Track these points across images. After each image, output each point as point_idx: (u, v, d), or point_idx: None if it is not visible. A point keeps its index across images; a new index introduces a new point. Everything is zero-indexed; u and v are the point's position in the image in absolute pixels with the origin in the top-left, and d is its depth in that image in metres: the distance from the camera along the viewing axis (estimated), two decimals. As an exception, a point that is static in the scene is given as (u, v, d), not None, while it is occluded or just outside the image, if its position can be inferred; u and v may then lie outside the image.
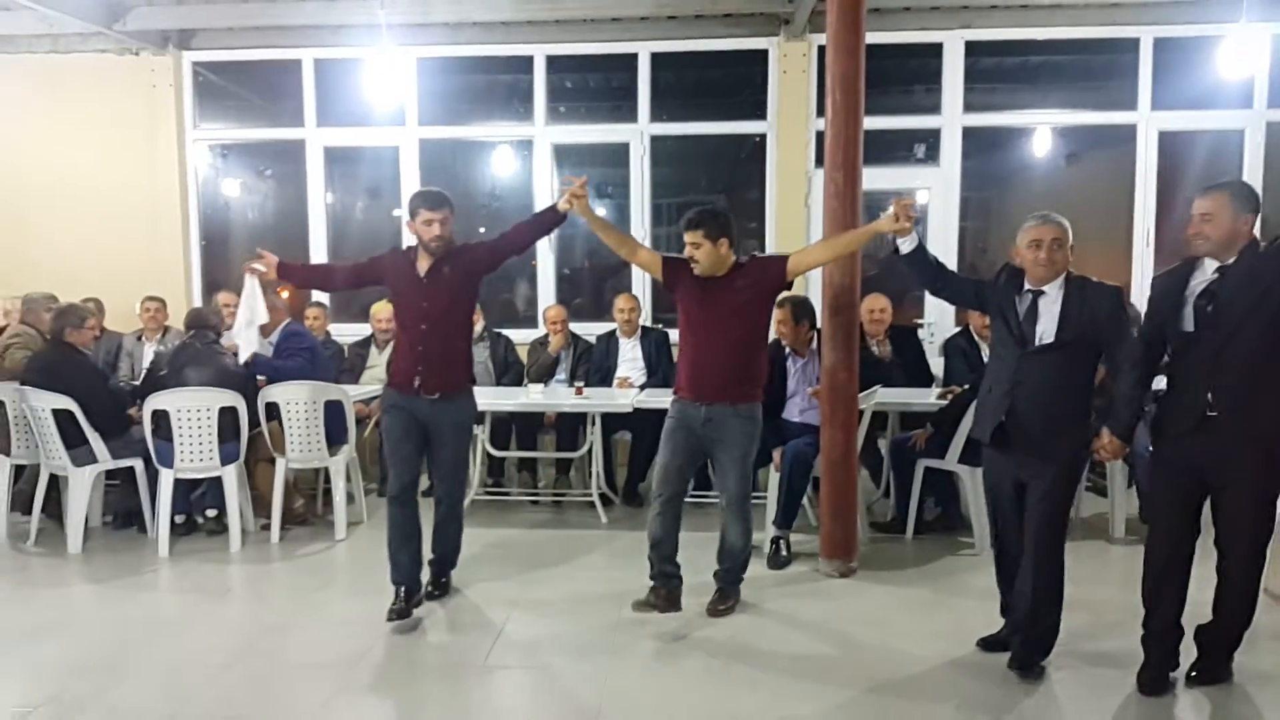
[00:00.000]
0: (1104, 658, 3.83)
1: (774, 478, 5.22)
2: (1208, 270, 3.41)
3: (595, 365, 6.70)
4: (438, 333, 4.32)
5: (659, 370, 6.56)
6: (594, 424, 6.04)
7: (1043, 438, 3.59)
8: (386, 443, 4.48)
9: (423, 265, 4.32)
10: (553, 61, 7.70)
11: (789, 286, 4.32)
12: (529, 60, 7.66)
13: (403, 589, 4.30)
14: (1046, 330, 3.59)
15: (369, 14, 6.90)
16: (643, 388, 6.41)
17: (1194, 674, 3.61)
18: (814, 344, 5.32)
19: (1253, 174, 7.20)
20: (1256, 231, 3.39)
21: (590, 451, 6.09)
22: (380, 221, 8.44)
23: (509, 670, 3.82)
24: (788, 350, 5.38)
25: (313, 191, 7.93)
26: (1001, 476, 3.77)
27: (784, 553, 5.08)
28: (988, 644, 3.93)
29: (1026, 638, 3.71)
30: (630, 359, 6.65)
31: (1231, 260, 3.35)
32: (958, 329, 6.62)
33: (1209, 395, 3.35)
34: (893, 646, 4.00)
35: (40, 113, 7.84)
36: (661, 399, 5.78)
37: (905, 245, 3.89)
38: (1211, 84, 7.06)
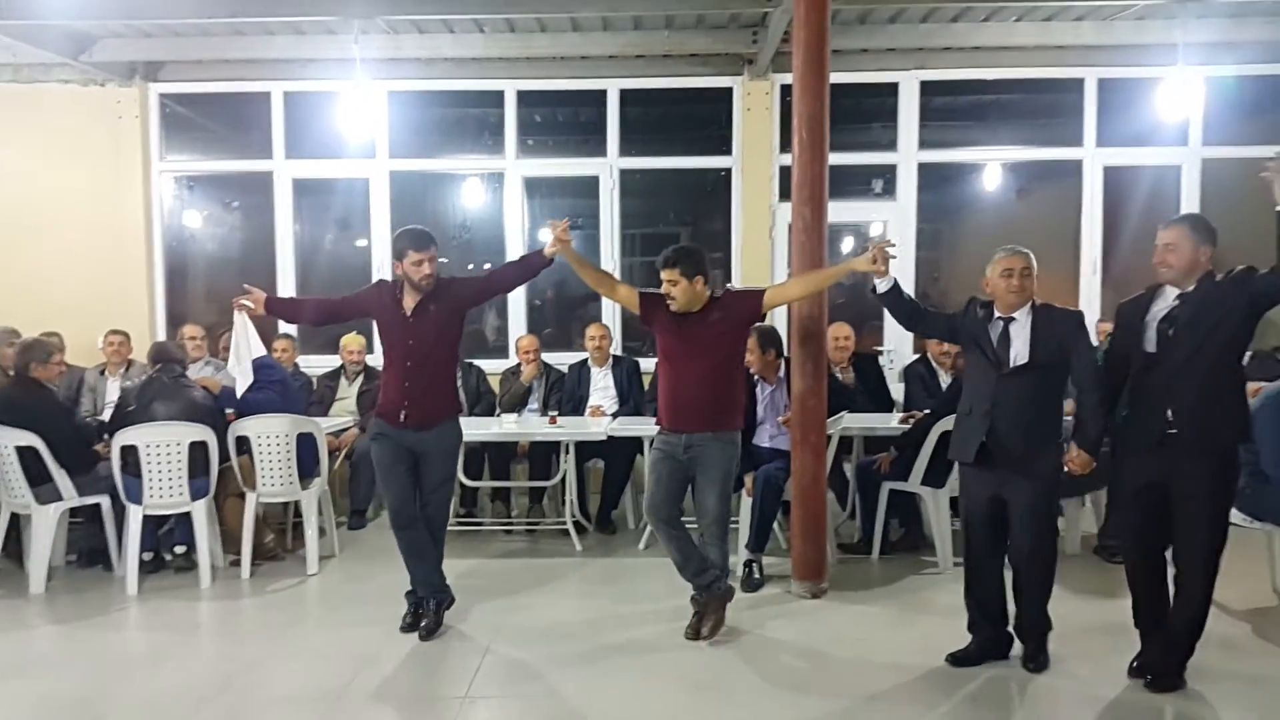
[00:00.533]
0: (1064, 671, 3.98)
1: (746, 502, 5.34)
2: (1169, 297, 3.69)
3: (567, 394, 6.79)
4: (423, 369, 4.43)
5: (630, 398, 6.68)
6: (568, 452, 6.11)
7: (1022, 454, 3.85)
8: (377, 471, 4.55)
9: (409, 303, 4.43)
10: (523, 96, 7.83)
11: (763, 319, 4.48)
12: (500, 95, 7.79)
13: (432, 601, 4.52)
14: (1019, 353, 3.86)
15: (341, 48, 7.02)
16: (615, 416, 6.52)
17: (1152, 681, 3.80)
18: (781, 371, 5.48)
19: (1189, 207, 7.51)
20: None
21: (564, 480, 6.17)
22: (348, 254, 8.46)
23: (491, 700, 3.85)
24: (756, 378, 5.52)
25: (280, 223, 7.94)
26: (979, 493, 4.00)
27: (757, 575, 5.19)
28: (957, 659, 4.09)
29: (1035, 637, 4.03)
30: (602, 387, 6.75)
31: (1191, 288, 3.64)
32: (916, 355, 6.85)
33: (1169, 413, 3.61)
34: (865, 662, 4.14)
35: (1, 142, 7.77)
36: (634, 427, 5.95)
37: (882, 285, 4.15)
38: (1151, 123, 7.40)
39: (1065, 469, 3.91)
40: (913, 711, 3.69)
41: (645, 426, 6.00)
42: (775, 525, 5.55)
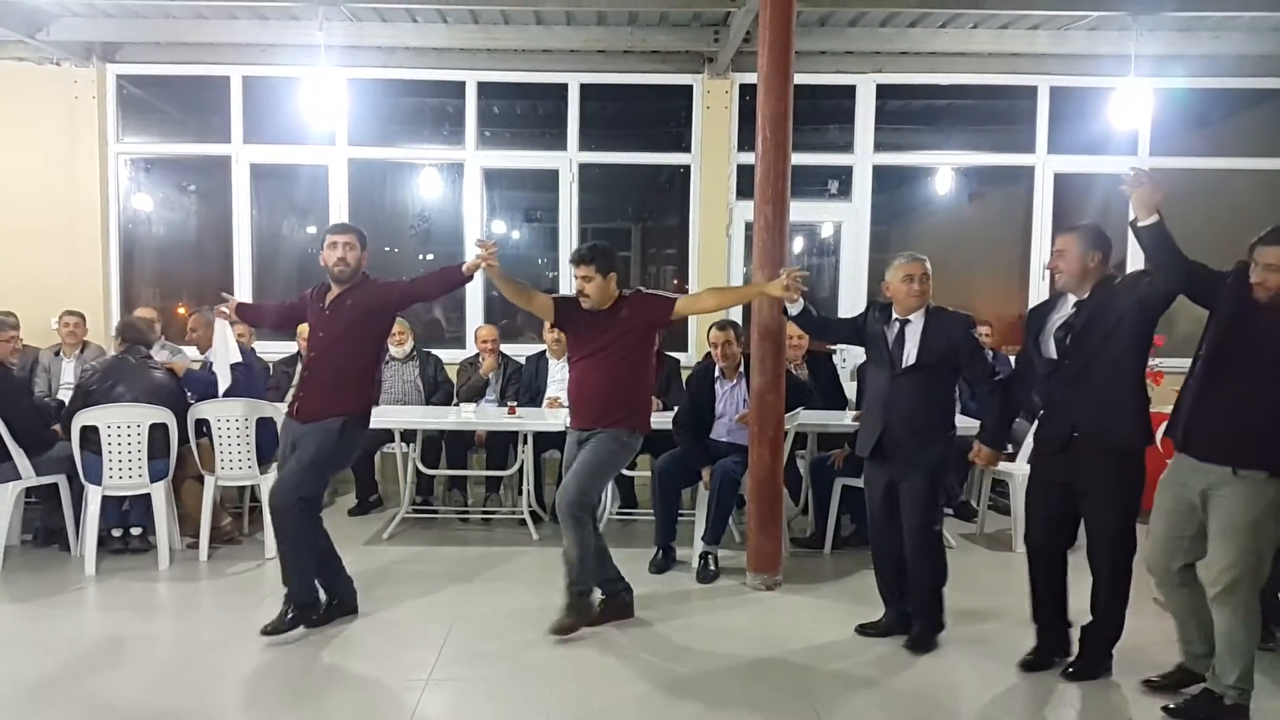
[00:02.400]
0: (1004, 655, 4.12)
1: (702, 495, 5.44)
2: (1068, 304, 3.88)
3: (525, 385, 6.82)
4: (322, 361, 4.36)
5: (588, 391, 6.73)
6: (525, 443, 6.17)
7: (911, 447, 4.13)
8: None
9: (330, 295, 4.39)
10: (484, 88, 7.82)
11: (667, 326, 4.58)
12: (460, 86, 7.78)
13: (291, 605, 4.33)
14: (910, 353, 4.12)
15: (303, 34, 6.99)
16: (572, 408, 6.57)
17: (1071, 670, 3.97)
18: (741, 368, 5.59)
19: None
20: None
21: (521, 470, 6.22)
22: (306, 240, 8.43)
23: (453, 682, 3.91)
24: (717, 373, 5.63)
25: (238, 208, 7.86)
26: (877, 481, 4.31)
27: (712, 567, 5.29)
28: (865, 629, 4.43)
29: (921, 621, 4.28)
30: (559, 380, 6.76)
31: (1086, 295, 3.81)
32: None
33: (1071, 418, 3.79)
34: (818, 651, 4.25)
35: (-51, 120, 7.63)
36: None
37: (794, 309, 4.40)
38: (1102, 131, 7.59)
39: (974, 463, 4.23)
40: (866, 697, 3.81)
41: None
42: (730, 519, 5.64)
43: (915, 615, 4.30)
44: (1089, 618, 3.99)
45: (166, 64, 7.71)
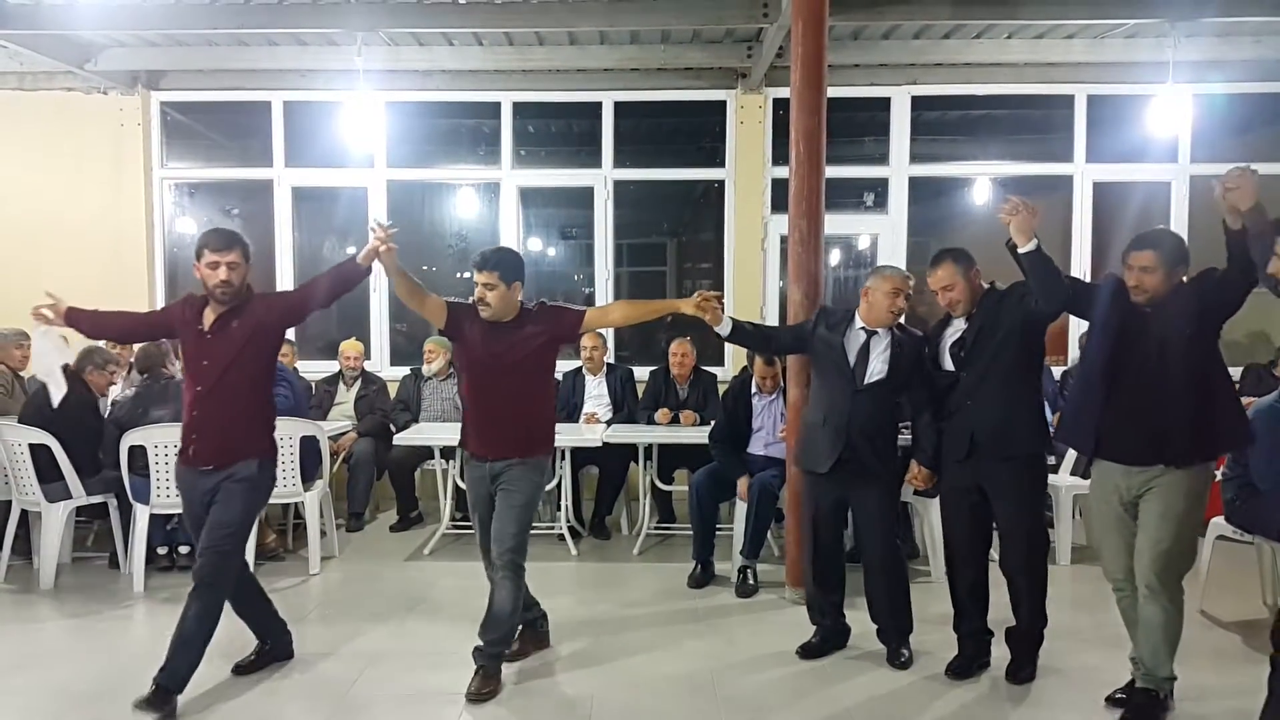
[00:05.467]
0: (1085, 671, 4.08)
1: (740, 510, 5.44)
2: (959, 321, 3.98)
3: (562, 401, 6.85)
4: (216, 394, 3.79)
5: (624, 406, 6.77)
6: (563, 459, 6.20)
7: (870, 464, 4.11)
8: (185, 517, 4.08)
9: (209, 316, 3.85)
10: (519, 108, 7.91)
11: (575, 340, 4.42)
12: (496, 106, 7.87)
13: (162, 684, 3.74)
14: (876, 369, 4.11)
15: (342, 59, 7.11)
16: (609, 423, 6.61)
17: (1009, 672, 4.03)
18: (780, 381, 5.58)
19: (1178, 223, 7.63)
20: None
21: (560, 486, 6.25)
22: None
23: (497, 698, 3.91)
24: (754, 388, 5.63)
25: (280, 231, 8.00)
26: (825, 498, 4.25)
27: (751, 581, 5.28)
28: (809, 651, 4.36)
29: (896, 636, 4.28)
30: (596, 395, 6.84)
31: (975, 310, 3.92)
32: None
33: (970, 427, 3.87)
34: (858, 666, 4.25)
35: (3, 149, 7.83)
36: (628, 434, 6.05)
37: (722, 330, 4.28)
38: (1141, 139, 7.48)
39: (910, 484, 4.22)
40: (906, 712, 3.79)
41: (640, 434, 6.12)
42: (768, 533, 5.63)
43: (886, 634, 4.31)
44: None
45: (209, 90, 7.89)
